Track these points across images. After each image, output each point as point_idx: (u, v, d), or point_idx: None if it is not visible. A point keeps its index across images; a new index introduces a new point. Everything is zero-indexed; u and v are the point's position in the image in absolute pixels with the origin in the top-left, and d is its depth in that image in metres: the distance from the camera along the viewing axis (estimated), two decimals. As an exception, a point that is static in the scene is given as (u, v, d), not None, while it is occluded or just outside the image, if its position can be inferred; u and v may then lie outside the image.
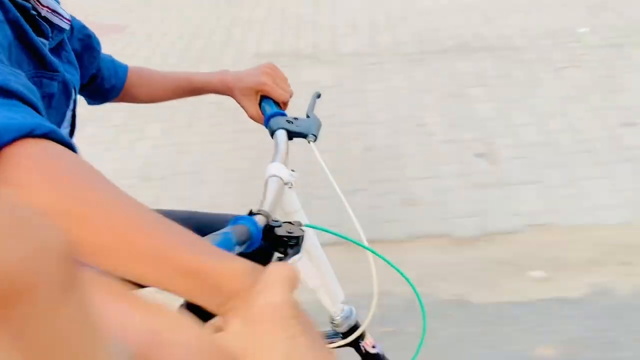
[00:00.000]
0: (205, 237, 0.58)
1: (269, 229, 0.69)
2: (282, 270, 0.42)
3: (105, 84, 1.08)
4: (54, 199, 0.46)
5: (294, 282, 0.41)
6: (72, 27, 0.97)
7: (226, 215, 1.01)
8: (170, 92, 1.12)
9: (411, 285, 0.89)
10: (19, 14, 0.71)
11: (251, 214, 0.70)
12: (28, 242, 0.20)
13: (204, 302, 0.43)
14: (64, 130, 0.87)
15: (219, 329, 0.41)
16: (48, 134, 0.50)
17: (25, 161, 0.48)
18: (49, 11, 0.84)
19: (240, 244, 0.62)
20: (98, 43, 1.05)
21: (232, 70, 1.11)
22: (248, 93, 1.06)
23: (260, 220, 0.68)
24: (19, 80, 0.57)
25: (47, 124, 0.52)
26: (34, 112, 0.55)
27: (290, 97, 1.08)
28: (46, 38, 0.80)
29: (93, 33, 1.05)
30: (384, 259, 0.87)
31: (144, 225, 0.46)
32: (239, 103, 1.08)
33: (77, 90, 0.90)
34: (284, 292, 0.40)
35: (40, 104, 0.59)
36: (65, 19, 0.87)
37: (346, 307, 1.01)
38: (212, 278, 0.43)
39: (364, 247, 0.85)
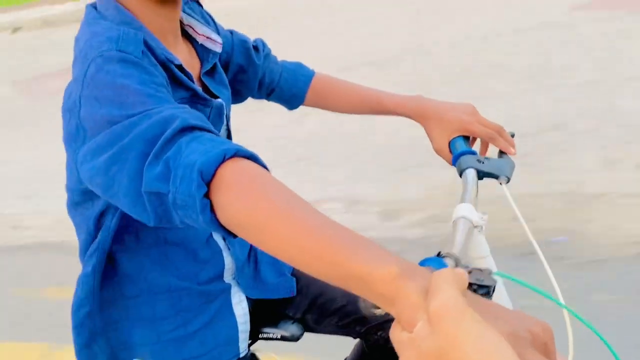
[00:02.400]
0: None
1: None
2: (449, 272, 0.45)
3: (285, 93, 1.14)
4: (254, 212, 0.57)
5: (462, 283, 0.45)
6: (232, 44, 1.07)
7: None
8: (355, 107, 1.12)
9: (611, 350, 0.78)
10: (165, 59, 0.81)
11: (439, 255, 0.66)
12: None
13: (375, 302, 0.49)
14: None
15: (401, 328, 0.45)
16: (236, 153, 0.61)
17: (233, 182, 0.59)
18: (205, 39, 0.94)
19: None
20: (261, 56, 1.10)
21: (427, 97, 1.08)
22: (446, 128, 1.02)
23: (449, 263, 0.64)
24: (192, 115, 0.67)
25: (232, 147, 0.62)
26: (222, 138, 0.66)
27: (499, 133, 1.02)
28: (204, 63, 0.93)
29: (256, 44, 1.11)
30: (581, 319, 0.77)
31: (319, 233, 0.53)
32: (428, 133, 1.05)
33: (229, 108, 0.98)
34: (453, 291, 0.43)
35: (208, 123, 0.69)
36: (218, 42, 0.96)
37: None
38: (370, 282, 0.48)
39: (560, 305, 0.76)
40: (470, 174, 0.92)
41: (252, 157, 0.63)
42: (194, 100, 0.86)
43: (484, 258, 0.82)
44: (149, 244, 0.91)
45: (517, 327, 0.47)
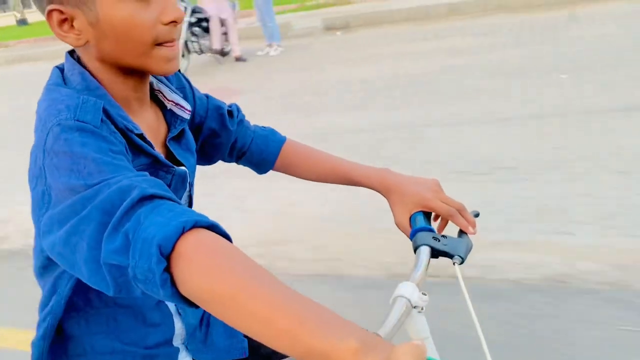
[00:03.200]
0: None
1: None
2: (409, 346, 0.46)
3: (254, 157, 1.15)
4: (216, 287, 0.57)
5: (422, 357, 0.46)
6: (207, 108, 1.08)
7: None
8: (323, 176, 1.13)
9: None
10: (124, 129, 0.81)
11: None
12: None
13: None
14: None
15: None
16: (195, 225, 0.62)
17: (193, 255, 0.60)
18: (174, 105, 0.95)
19: None
20: (234, 121, 1.12)
21: (392, 170, 1.09)
22: (407, 202, 1.03)
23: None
24: (151, 183, 0.68)
25: (191, 217, 0.62)
26: (181, 206, 0.66)
27: (460, 212, 1.02)
28: (171, 128, 0.94)
29: (231, 109, 1.13)
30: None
31: (284, 309, 0.54)
32: (391, 206, 1.05)
33: (193, 174, 0.98)
34: None
35: (168, 190, 0.69)
36: (187, 109, 0.97)
37: None
38: (331, 359, 0.49)
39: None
40: (424, 251, 0.91)
41: (213, 227, 0.64)
42: (156, 167, 0.86)
43: (423, 339, 0.80)
44: (98, 306, 0.90)
45: None
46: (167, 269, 0.60)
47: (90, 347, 0.91)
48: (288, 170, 1.17)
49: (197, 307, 0.62)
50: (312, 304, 0.54)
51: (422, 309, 0.77)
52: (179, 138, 0.97)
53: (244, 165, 1.19)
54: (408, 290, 0.76)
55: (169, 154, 0.94)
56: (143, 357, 0.94)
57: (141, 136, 0.83)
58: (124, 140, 0.79)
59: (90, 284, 0.67)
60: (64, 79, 0.83)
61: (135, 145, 0.82)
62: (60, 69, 0.86)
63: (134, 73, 0.84)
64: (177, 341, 0.98)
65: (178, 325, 0.97)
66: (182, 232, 0.60)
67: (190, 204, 1.01)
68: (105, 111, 0.78)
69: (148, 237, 0.60)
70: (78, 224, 0.66)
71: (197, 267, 0.58)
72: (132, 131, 0.81)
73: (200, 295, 0.58)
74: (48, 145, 0.72)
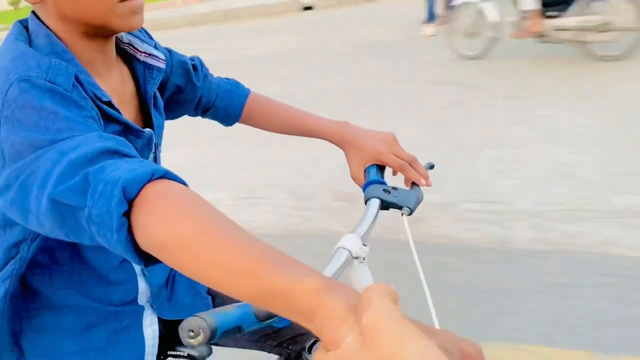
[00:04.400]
0: (220, 307, 0.58)
1: None
2: (381, 286, 0.42)
3: (219, 112, 1.17)
4: (176, 231, 0.55)
5: (394, 296, 0.42)
6: (171, 64, 1.08)
7: None
8: (285, 128, 1.15)
9: None
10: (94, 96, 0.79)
11: None
12: None
13: (299, 321, 0.47)
14: None
15: (325, 350, 0.43)
16: (165, 175, 0.60)
17: (158, 200, 0.58)
18: (147, 55, 0.94)
19: (264, 319, 0.60)
20: (199, 76, 1.12)
21: (352, 123, 1.11)
22: (362, 156, 1.05)
23: None
24: (120, 142, 0.67)
25: (161, 168, 0.61)
26: (141, 159, 0.65)
27: (412, 165, 1.04)
28: (147, 81, 0.93)
29: (195, 63, 1.12)
30: None
31: (243, 252, 0.52)
32: (347, 159, 1.08)
33: (160, 135, 0.98)
34: (387, 303, 0.40)
35: (135, 152, 0.69)
36: (161, 59, 0.97)
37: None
38: (291, 297, 0.46)
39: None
40: (373, 203, 0.94)
41: (182, 183, 0.62)
42: (126, 132, 0.86)
43: (366, 288, 0.83)
44: (62, 263, 0.91)
45: (448, 344, 0.44)
46: (127, 215, 0.58)
47: (54, 301, 0.93)
48: (251, 123, 1.19)
49: (147, 262, 0.60)
50: (272, 249, 0.52)
51: (363, 259, 0.80)
52: (155, 100, 0.97)
53: (210, 119, 1.20)
54: (349, 242, 0.79)
55: (139, 114, 0.95)
56: (107, 314, 0.97)
57: (109, 103, 0.82)
58: (95, 107, 0.78)
59: (40, 228, 0.66)
60: (29, 40, 0.79)
61: (105, 113, 0.81)
62: (25, 25, 0.82)
63: (98, 33, 0.82)
64: (142, 300, 1.01)
65: (142, 285, 1.00)
66: (150, 179, 0.59)
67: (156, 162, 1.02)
68: (76, 77, 0.76)
69: (112, 179, 0.58)
70: (35, 169, 0.64)
71: (158, 213, 0.56)
72: (100, 99, 0.80)
73: (157, 241, 0.56)
74: (10, 97, 0.69)
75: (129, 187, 0.58)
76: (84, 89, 0.77)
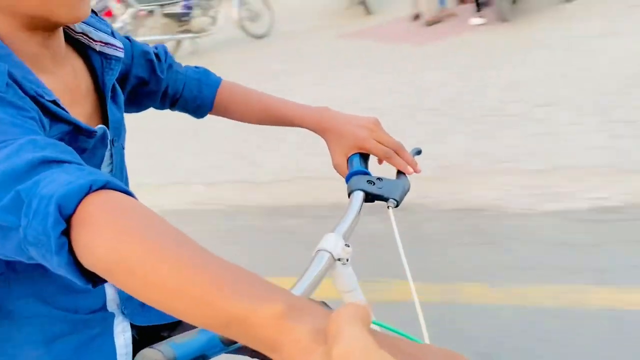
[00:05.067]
0: (182, 334, 0.51)
1: None
2: (352, 309, 0.38)
3: (189, 104, 1.08)
4: (123, 252, 0.48)
5: (367, 319, 0.38)
6: (132, 54, 0.99)
7: None
8: (261, 118, 1.07)
9: None
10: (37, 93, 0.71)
11: None
12: None
13: (262, 351, 0.41)
14: (105, 169, 0.87)
15: None
16: (106, 185, 0.54)
17: (100, 216, 0.51)
18: (103, 45, 0.86)
19: (231, 343, 0.53)
20: (163, 67, 1.04)
21: (333, 109, 1.03)
22: (343, 144, 0.98)
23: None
24: (58, 148, 0.60)
25: (101, 178, 0.54)
26: (81, 167, 0.58)
27: (397, 151, 0.97)
28: (105, 72, 0.85)
29: (158, 53, 1.04)
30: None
31: (198, 273, 0.46)
32: (328, 147, 1.00)
33: (116, 131, 0.89)
34: (359, 331, 0.36)
35: (78, 159, 0.61)
36: (119, 47, 0.88)
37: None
38: (250, 325, 0.41)
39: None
40: (357, 196, 0.87)
41: (126, 193, 0.56)
42: (75, 132, 0.77)
43: (350, 292, 0.77)
44: (20, 271, 0.83)
45: None
46: (66, 233, 0.51)
47: (15, 311, 0.86)
48: (224, 114, 1.11)
49: (95, 282, 0.54)
50: (232, 267, 0.46)
51: (347, 260, 0.73)
52: (114, 94, 0.89)
53: (180, 112, 1.12)
54: (330, 242, 0.72)
55: (96, 108, 0.87)
56: (74, 323, 0.90)
57: (54, 102, 0.73)
58: (36, 107, 0.70)
59: None
60: None
61: (51, 113, 0.73)
62: None
63: (39, 26, 0.74)
64: (111, 306, 0.94)
65: (110, 292, 0.93)
66: (89, 192, 0.52)
67: (113, 163, 0.92)
68: (10, 75, 0.68)
69: (47, 194, 0.52)
70: None
71: (100, 232, 0.50)
72: (43, 97, 0.72)
73: (101, 265, 0.50)
74: None
75: (64, 203, 0.51)
76: (21, 88, 0.69)
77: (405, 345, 0.41)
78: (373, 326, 0.68)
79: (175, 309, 0.46)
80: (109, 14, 9.47)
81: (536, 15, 5.74)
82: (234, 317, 0.42)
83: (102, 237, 0.50)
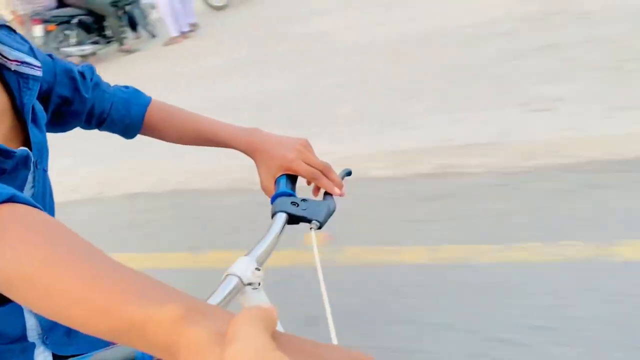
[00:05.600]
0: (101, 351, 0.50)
1: None
2: (254, 311, 0.37)
3: (116, 124, 1.06)
4: (24, 263, 0.47)
5: (271, 322, 0.37)
6: (55, 72, 0.97)
7: None
8: (191, 139, 1.06)
9: None
10: None
11: None
12: None
13: (157, 355, 0.41)
14: (27, 193, 0.85)
15: None
16: (11, 199, 0.53)
17: (3, 228, 0.50)
18: (18, 64, 0.84)
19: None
20: (88, 86, 1.02)
21: (264, 130, 1.03)
22: (271, 165, 0.97)
23: None
24: None
25: (5, 191, 0.54)
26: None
27: (324, 173, 0.97)
28: (22, 92, 0.83)
29: (83, 71, 1.02)
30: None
31: (96, 280, 0.45)
32: (257, 169, 1.00)
33: (39, 152, 0.87)
34: (257, 333, 0.35)
35: None
36: (36, 66, 0.87)
37: None
38: (146, 329, 0.40)
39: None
40: (279, 218, 0.87)
41: (33, 206, 0.55)
42: None
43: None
44: None
45: None
46: None
47: None
48: (154, 135, 1.09)
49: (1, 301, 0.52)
50: (134, 274, 0.46)
51: (258, 284, 0.72)
52: (34, 114, 0.87)
53: (108, 132, 1.10)
54: (240, 267, 0.71)
55: (15, 128, 0.84)
56: None
57: None
58: None
59: None
60: None
61: None
62: None
63: None
64: (32, 336, 0.91)
65: (31, 322, 0.90)
66: None
67: (35, 186, 0.89)
68: None
69: None
70: None
71: (2, 243, 0.49)
72: None
73: (2, 275, 0.48)
74: None
75: None
76: None
77: (310, 347, 0.40)
78: (280, 329, 0.66)
79: (75, 319, 0.45)
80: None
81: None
82: (133, 323, 0.41)
83: (3, 248, 0.49)
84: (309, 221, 0.87)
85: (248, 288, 0.72)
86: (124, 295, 0.43)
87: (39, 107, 0.90)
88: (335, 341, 0.69)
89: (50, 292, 0.46)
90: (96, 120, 1.06)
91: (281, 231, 0.84)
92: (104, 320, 0.43)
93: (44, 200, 0.92)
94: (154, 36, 8.88)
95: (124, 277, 0.45)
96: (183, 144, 1.08)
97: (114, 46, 8.54)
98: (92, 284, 0.45)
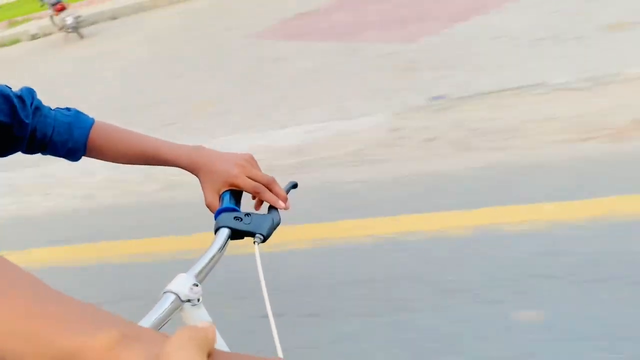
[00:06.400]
0: None
1: None
2: (190, 332, 0.37)
3: (59, 149, 1.05)
4: None
5: (207, 343, 0.37)
6: None
7: None
8: (135, 159, 1.05)
9: None
10: None
11: None
12: None
13: None
14: None
15: None
16: None
17: None
18: None
19: None
20: (28, 111, 1.00)
21: (207, 147, 1.03)
22: (215, 181, 0.98)
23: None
24: None
25: None
26: None
27: (268, 187, 0.97)
28: None
29: (22, 95, 1.00)
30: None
31: (33, 308, 0.44)
32: (201, 186, 0.99)
33: None
34: (188, 353, 0.35)
35: None
36: None
37: None
38: (82, 357, 0.40)
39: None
40: (222, 234, 0.87)
41: None
42: None
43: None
44: None
45: None
46: None
47: None
48: (98, 156, 1.07)
49: None
50: (71, 302, 0.45)
51: (197, 300, 0.72)
52: None
53: (50, 156, 1.08)
54: (178, 283, 0.71)
55: None
56: None
57: None
58: None
59: None
60: None
61: None
62: None
63: None
64: None
65: None
66: None
67: None
68: None
69: None
70: None
71: None
72: None
73: None
74: None
75: None
76: None
77: None
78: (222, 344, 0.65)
79: (12, 352, 0.44)
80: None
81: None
82: (70, 352, 0.41)
83: None
84: (252, 235, 0.87)
85: (187, 305, 0.72)
86: (60, 325, 0.42)
87: None
88: (280, 354, 0.69)
89: None
90: (38, 145, 1.03)
91: (224, 246, 0.85)
92: (41, 351, 0.43)
93: None
94: None
95: (60, 306, 0.45)
96: (127, 164, 1.07)
97: None
98: (28, 316, 0.44)
